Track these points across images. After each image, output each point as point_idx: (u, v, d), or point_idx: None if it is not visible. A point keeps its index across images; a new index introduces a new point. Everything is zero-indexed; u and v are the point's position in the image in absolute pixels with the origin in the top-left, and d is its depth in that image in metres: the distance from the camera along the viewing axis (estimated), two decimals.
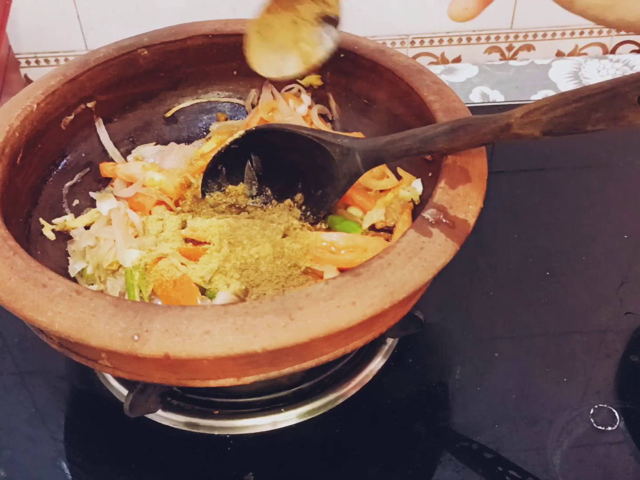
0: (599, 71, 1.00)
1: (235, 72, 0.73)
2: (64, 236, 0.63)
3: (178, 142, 0.73)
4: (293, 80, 0.72)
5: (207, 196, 0.64)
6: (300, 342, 0.43)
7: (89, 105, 0.67)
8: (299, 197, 0.63)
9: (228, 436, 0.59)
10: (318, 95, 0.72)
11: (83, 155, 0.68)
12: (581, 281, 0.71)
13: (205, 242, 0.58)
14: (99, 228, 0.62)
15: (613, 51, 1.05)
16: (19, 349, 0.67)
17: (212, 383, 0.48)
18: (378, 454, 0.58)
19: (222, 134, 0.72)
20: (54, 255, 0.61)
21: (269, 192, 0.64)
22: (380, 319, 0.49)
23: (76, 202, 0.66)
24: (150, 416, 0.59)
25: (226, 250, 0.56)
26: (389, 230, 0.62)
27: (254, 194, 0.64)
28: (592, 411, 0.60)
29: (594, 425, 0.59)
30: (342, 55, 0.68)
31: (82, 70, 0.65)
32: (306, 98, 0.72)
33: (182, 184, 0.65)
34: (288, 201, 0.63)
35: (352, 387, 0.62)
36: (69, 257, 0.62)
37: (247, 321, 0.43)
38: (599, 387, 0.62)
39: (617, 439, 0.58)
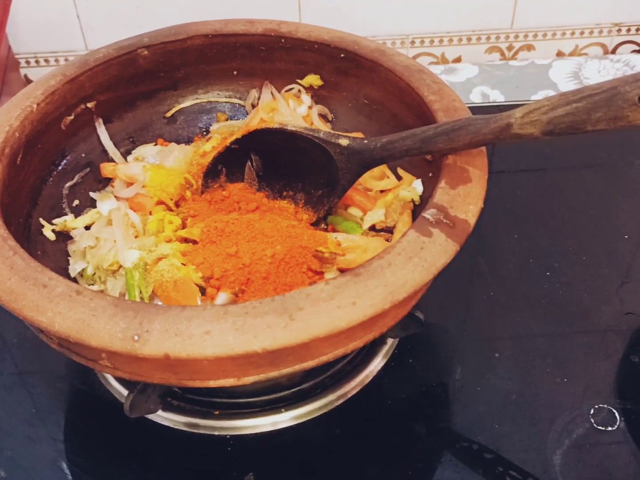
0: (599, 71, 1.00)
1: (235, 72, 0.73)
2: (64, 236, 0.63)
3: (178, 142, 0.72)
4: (293, 81, 0.72)
5: (207, 196, 0.64)
6: (301, 343, 0.43)
7: (89, 105, 0.67)
8: (299, 197, 0.63)
9: (228, 436, 0.59)
10: (318, 96, 0.72)
11: (83, 155, 0.68)
12: (581, 281, 0.71)
13: None
14: (99, 228, 0.62)
15: (613, 51, 1.05)
16: (19, 349, 0.67)
17: (212, 383, 0.48)
18: (378, 454, 0.58)
19: (222, 134, 0.72)
20: (54, 256, 0.61)
21: (270, 193, 0.64)
22: (381, 319, 0.49)
23: (76, 202, 0.66)
24: (150, 416, 0.59)
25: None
26: (389, 230, 0.62)
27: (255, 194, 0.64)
28: (592, 411, 0.60)
29: (594, 425, 0.59)
30: (342, 56, 0.68)
31: (82, 70, 0.65)
32: (306, 98, 0.72)
33: (183, 185, 0.65)
34: (288, 201, 0.63)
35: (352, 387, 0.62)
36: (69, 257, 0.62)
37: (248, 321, 0.43)
38: (599, 387, 0.62)
39: (617, 439, 0.58)
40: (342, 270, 0.57)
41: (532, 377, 0.62)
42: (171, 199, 0.64)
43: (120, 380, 0.62)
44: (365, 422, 0.60)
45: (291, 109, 0.71)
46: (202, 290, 0.55)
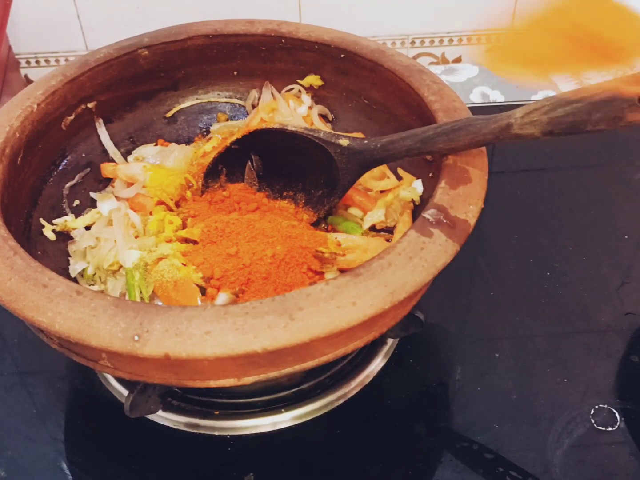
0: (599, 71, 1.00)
1: (235, 73, 0.74)
2: (64, 236, 0.63)
3: (178, 142, 0.72)
4: (293, 81, 0.72)
5: (207, 197, 0.64)
6: (301, 343, 0.43)
7: (89, 105, 0.67)
8: (299, 197, 0.63)
9: (228, 437, 0.59)
10: (318, 96, 0.72)
11: (83, 155, 0.68)
12: (581, 281, 0.71)
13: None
14: (100, 228, 0.62)
15: None
16: (19, 349, 0.67)
17: (213, 383, 0.48)
18: (378, 454, 0.58)
19: (222, 135, 0.72)
20: (54, 256, 0.61)
21: (270, 193, 0.64)
22: (381, 319, 0.49)
23: (77, 202, 0.66)
24: (150, 417, 0.59)
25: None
26: (390, 230, 0.62)
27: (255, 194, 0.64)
28: (592, 411, 0.60)
29: (595, 425, 0.59)
30: (342, 56, 0.68)
31: (83, 70, 0.65)
32: (306, 99, 0.72)
33: (183, 185, 0.65)
34: (288, 201, 0.63)
35: (352, 387, 0.62)
36: (69, 258, 0.62)
37: (248, 321, 0.43)
38: (599, 387, 0.62)
39: (617, 439, 0.58)
40: (342, 271, 0.57)
41: (532, 377, 0.62)
42: (171, 199, 0.64)
43: (120, 380, 0.62)
44: (365, 422, 0.60)
45: (291, 109, 0.71)
46: (203, 291, 0.55)
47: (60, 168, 0.66)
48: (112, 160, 0.69)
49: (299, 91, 0.73)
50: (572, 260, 0.73)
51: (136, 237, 0.61)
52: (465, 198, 0.51)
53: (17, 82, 0.98)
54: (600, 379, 0.62)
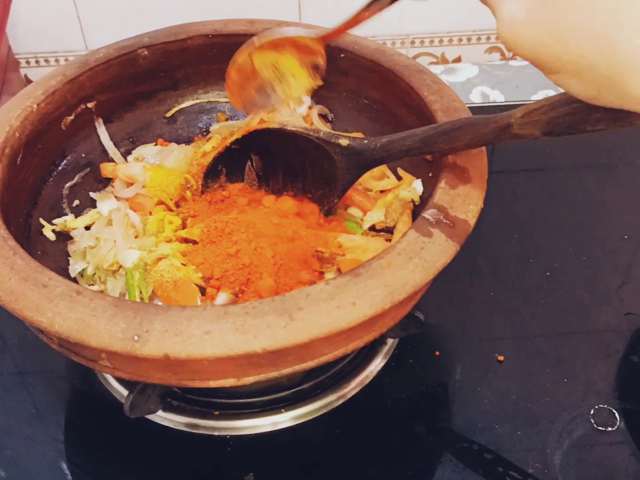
0: None
1: None
2: (64, 236, 0.63)
3: (178, 142, 0.72)
4: None
5: (207, 197, 0.64)
6: (301, 343, 0.43)
7: (89, 105, 0.67)
8: (299, 197, 0.63)
9: (228, 437, 0.59)
10: (318, 96, 0.72)
11: (83, 155, 0.68)
12: (581, 281, 0.71)
13: None
14: (100, 228, 0.62)
15: None
16: (19, 349, 0.67)
17: (212, 383, 0.48)
18: (378, 454, 0.58)
19: (222, 134, 0.72)
20: (54, 256, 0.61)
21: (270, 193, 0.64)
22: (381, 319, 0.49)
23: (76, 202, 0.66)
24: (150, 417, 0.59)
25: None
26: (389, 230, 0.62)
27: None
28: (592, 411, 0.60)
29: (595, 425, 0.59)
30: (342, 55, 0.68)
31: (82, 70, 0.65)
32: (306, 99, 0.72)
33: (183, 185, 0.65)
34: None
35: (352, 387, 0.62)
36: (69, 258, 0.62)
37: (247, 321, 0.43)
38: (599, 387, 0.62)
39: (617, 439, 0.58)
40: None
41: (532, 377, 0.62)
42: (171, 199, 0.64)
43: (120, 380, 0.62)
44: (365, 422, 0.60)
45: (291, 109, 0.71)
46: (202, 291, 0.55)
47: (60, 168, 0.66)
48: (112, 160, 0.69)
49: None
50: (572, 260, 0.73)
51: (136, 237, 0.61)
52: (465, 198, 0.51)
53: (17, 82, 0.98)
54: (600, 379, 0.62)
